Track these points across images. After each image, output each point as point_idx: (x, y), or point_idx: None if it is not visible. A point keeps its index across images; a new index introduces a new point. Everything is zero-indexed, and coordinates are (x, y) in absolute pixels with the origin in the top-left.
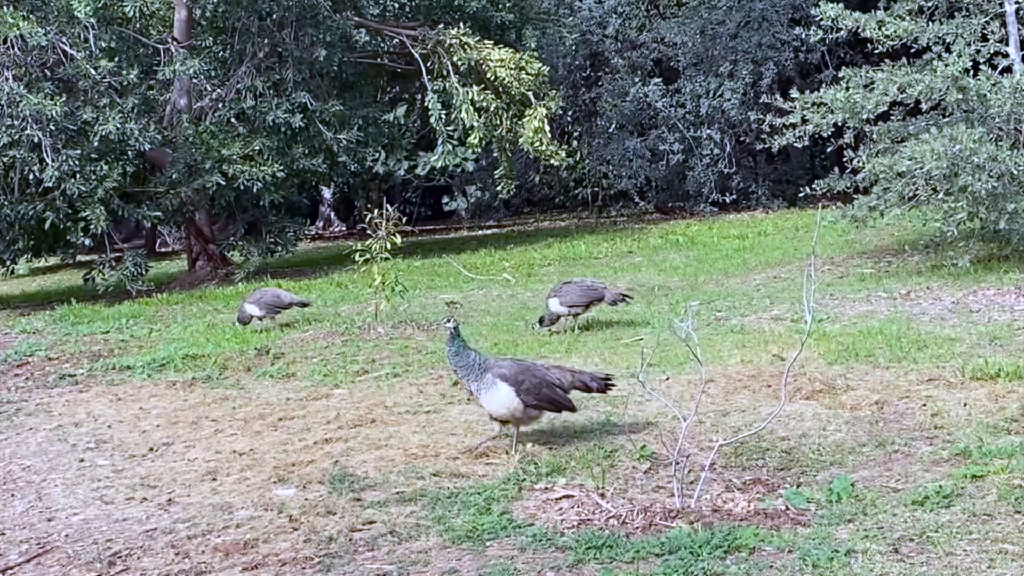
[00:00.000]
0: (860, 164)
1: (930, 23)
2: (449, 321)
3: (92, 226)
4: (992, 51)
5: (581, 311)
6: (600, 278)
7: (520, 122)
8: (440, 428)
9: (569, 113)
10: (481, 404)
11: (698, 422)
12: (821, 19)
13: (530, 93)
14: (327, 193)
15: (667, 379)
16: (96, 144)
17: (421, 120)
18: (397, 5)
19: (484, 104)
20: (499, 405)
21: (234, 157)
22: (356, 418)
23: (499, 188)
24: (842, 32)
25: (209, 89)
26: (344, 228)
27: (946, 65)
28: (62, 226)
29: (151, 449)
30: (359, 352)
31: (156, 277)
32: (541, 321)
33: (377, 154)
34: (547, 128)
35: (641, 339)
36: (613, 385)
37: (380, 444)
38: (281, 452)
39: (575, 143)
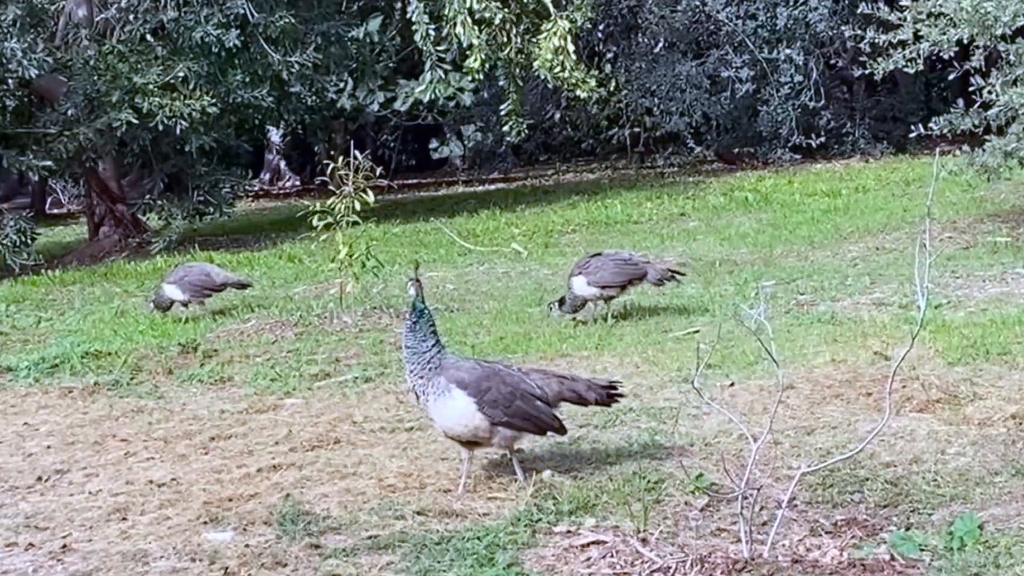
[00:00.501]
0: (992, 96)
1: None
2: (411, 285)
3: None
4: None
5: (616, 293)
6: (641, 250)
7: (535, 40)
8: (427, 450)
9: (601, 28)
10: (430, 417)
11: (773, 443)
12: None
13: (548, 1)
14: (275, 136)
15: (731, 385)
16: None
17: (402, 38)
18: None
19: (487, 15)
20: (453, 420)
21: (150, 87)
22: (314, 437)
23: (506, 129)
24: None
25: None
26: (298, 182)
27: None
28: None
29: (40, 479)
30: (318, 349)
31: (46, 248)
32: (562, 303)
33: (342, 83)
34: (571, 48)
35: (697, 331)
36: (619, 396)
37: (346, 472)
38: (214, 483)
39: (608, 68)
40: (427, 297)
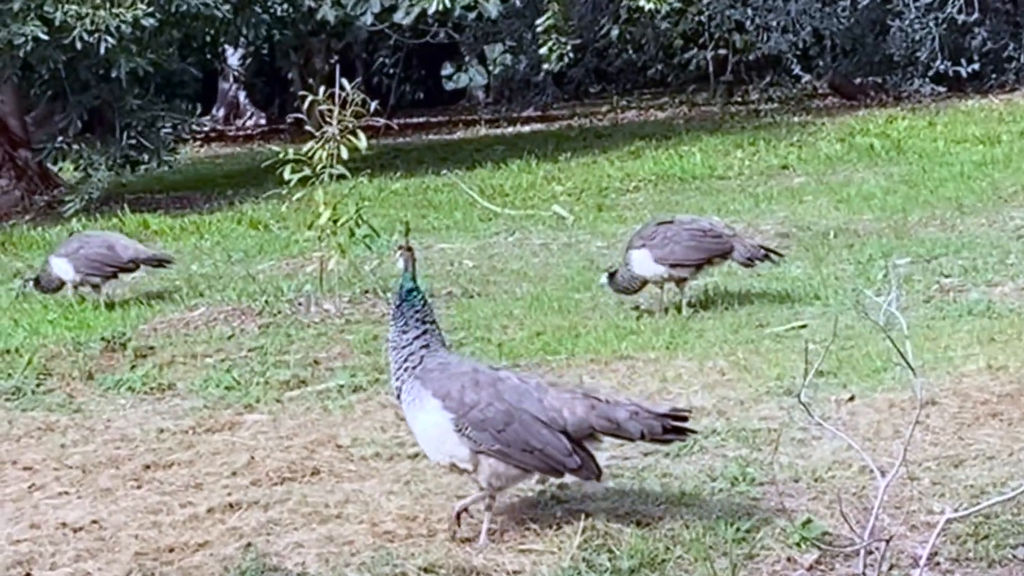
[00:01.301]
0: None
1: None
2: (400, 256)
3: None
4: None
5: (689, 274)
6: (729, 215)
7: None
8: (436, 485)
9: None
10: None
11: (907, 478)
12: None
13: None
14: (233, 58)
15: (850, 400)
16: None
17: None
18: None
19: None
20: (425, 440)
21: None
22: (284, 466)
23: (544, 51)
24: None
25: None
26: (263, 120)
27: None
28: None
29: None
30: (290, 347)
31: None
32: (613, 278)
33: None
34: None
35: (803, 326)
36: (684, 432)
37: (328, 514)
38: (149, 527)
39: None
40: (435, 276)
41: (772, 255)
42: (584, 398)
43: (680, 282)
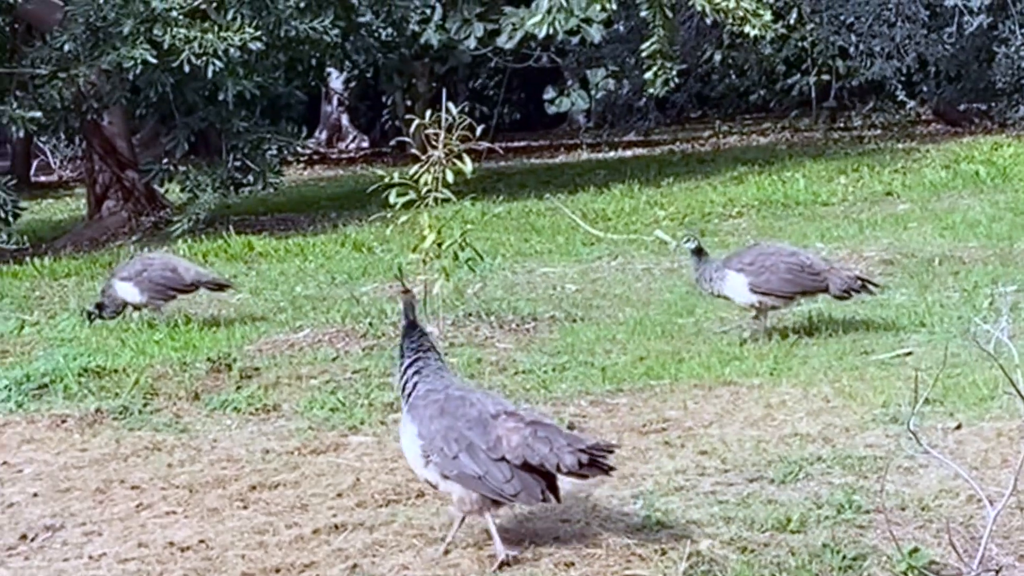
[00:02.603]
0: None
1: None
2: (400, 299)
3: None
4: None
5: (780, 305)
6: (834, 241)
7: None
8: (541, 510)
9: None
10: None
11: (1016, 507)
12: None
13: None
14: (337, 81)
15: (958, 428)
16: None
17: None
18: None
19: None
20: (409, 464)
21: (174, 14)
22: (390, 488)
23: (648, 75)
24: None
25: None
26: (366, 143)
27: None
28: None
29: (24, 537)
30: (393, 369)
31: (32, 227)
32: (699, 258)
33: (428, 10)
34: None
35: (909, 353)
36: (608, 469)
37: (433, 536)
38: (255, 547)
39: None
40: (537, 300)
41: (869, 285)
42: (531, 426)
43: (765, 311)
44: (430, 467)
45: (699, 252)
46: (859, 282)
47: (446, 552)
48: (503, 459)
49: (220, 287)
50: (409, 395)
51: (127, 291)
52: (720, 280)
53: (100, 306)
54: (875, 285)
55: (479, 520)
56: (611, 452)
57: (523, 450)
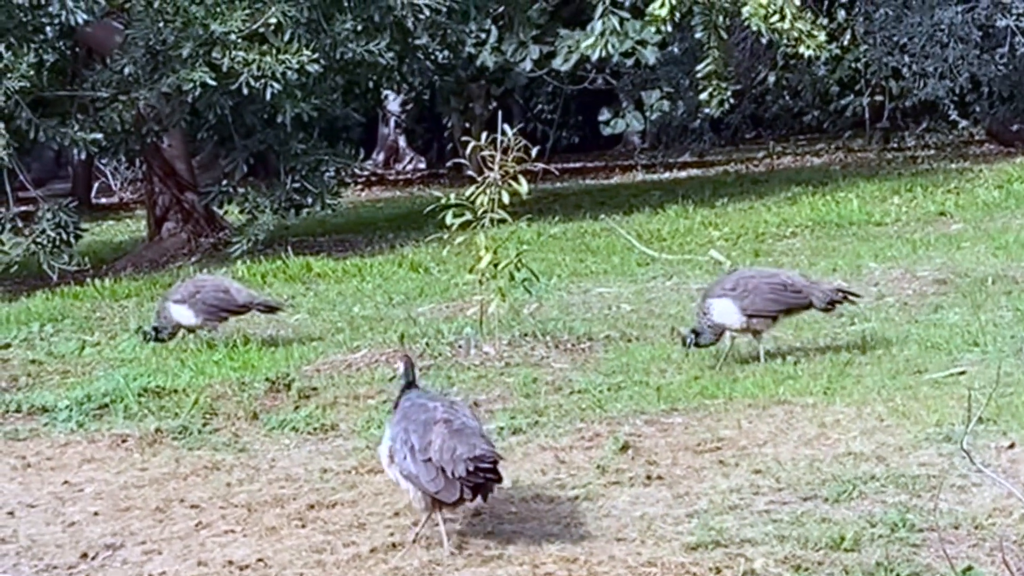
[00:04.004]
0: None
1: None
2: (400, 362)
3: None
4: None
5: (767, 325)
6: (887, 261)
7: None
8: (596, 529)
9: None
10: None
11: None
12: None
13: None
14: (394, 103)
15: (1011, 447)
16: None
17: None
18: None
19: None
20: (379, 457)
21: (232, 37)
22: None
23: (703, 97)
24: None
25: None
26: (423, 165)
27: None
28: None
29: (85, 555)
30: (450, 389)
31: (93, 248)
32: (697, 335)
33: (484, 33)
34: None
35: (962, 372)
36: (496, 479)
37: (489, 555)
38: (313, 565)
39: (842, 15)
40: (592, 320)
41: (850, 296)
42: (448, 433)
43: (756, 333)
44: (392, 467)
45: (696, 336)
46: (840, 294)
47: (414, 542)
48: (429, 460)
49: (272, 309)
50: (394, 408)
51: (181, 313)
52: (707, 314)
53: (157, 329)
54: (855, 295)
55: (435, 517)
56: (495, 463)
57: (438, 453)
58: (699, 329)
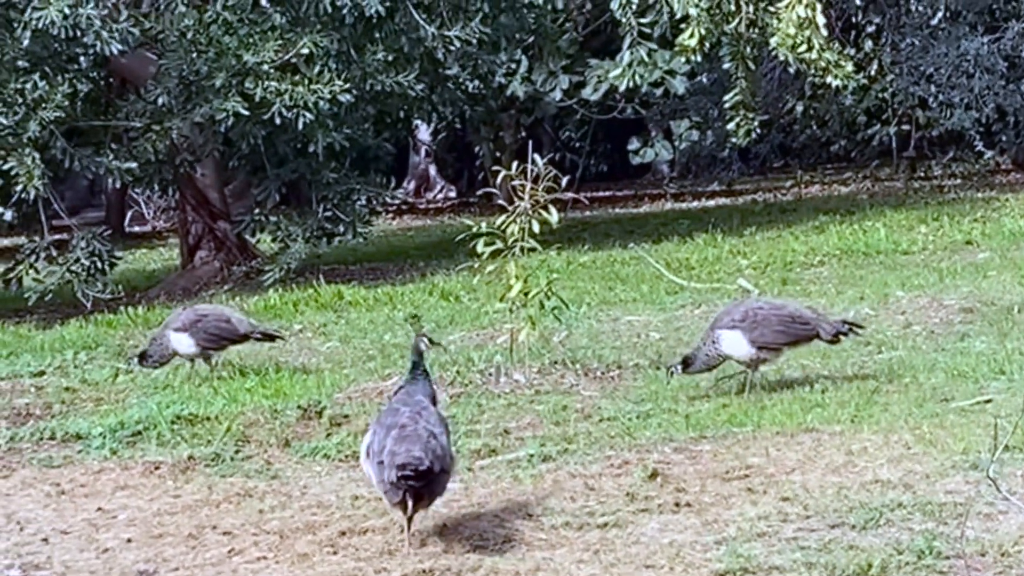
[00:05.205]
0: None
1: None
2: (420, 342)
3: (18, 188)
4: None
5: (774, 357)
6: (914, 290)
7: (772, 8)
8: (626, 555)
9: None
10: None
11: None
12: None
13: None
14: (424, 133)
15: None
16: (26, 44)
17: (594, 4)
18: None
19: None
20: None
21: (265, 67)
22: (476, 534)
23: (731, 126)
24: None
25: None
26: (453, 193)
27: None
28: None
29: None
30: (481, 416)
31: (127, 277)
32: (687, 364)
33: (514, 64)
34: (821, 19)
35: (989, 401)
36: (413, 488)
37: None
38: None
39: (869, 46)
40: (622, 348)
41: (855, 328)
42: (393, 441)
43: (758, 365)
44: (369, 469)
45: (686, 363)
46: (846, 325)
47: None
48: (381, 463)
49: (271, 338)
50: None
51: (180, 341)
52: (716, 343)
53: (143, 355)
54: (860, 327)
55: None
56: (418, 471)
57: (387, 457)
58: (691, 358)
